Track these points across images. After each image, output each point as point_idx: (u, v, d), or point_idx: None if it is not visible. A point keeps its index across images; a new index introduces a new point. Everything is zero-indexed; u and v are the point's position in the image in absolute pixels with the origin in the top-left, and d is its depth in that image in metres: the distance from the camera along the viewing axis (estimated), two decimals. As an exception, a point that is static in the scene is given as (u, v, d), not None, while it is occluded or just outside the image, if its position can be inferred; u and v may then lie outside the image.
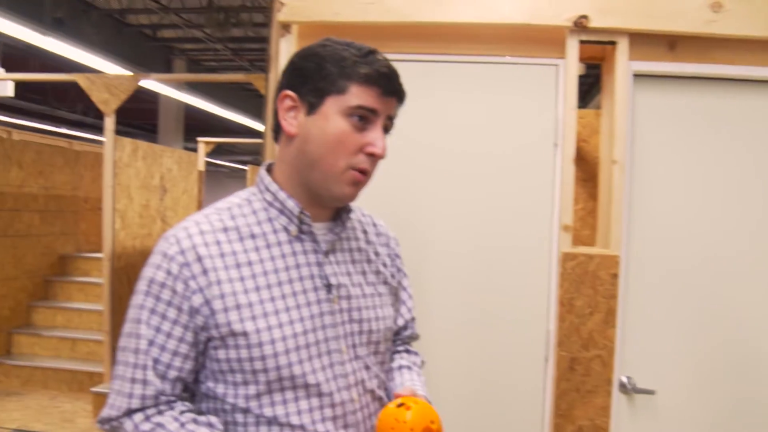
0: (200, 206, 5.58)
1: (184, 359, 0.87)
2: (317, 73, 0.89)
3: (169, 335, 0.86)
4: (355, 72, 0.88)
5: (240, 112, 8.79)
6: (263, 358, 0.86)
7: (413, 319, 1.21)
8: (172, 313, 0.86)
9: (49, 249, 4.88)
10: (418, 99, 1.78)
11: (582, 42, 1.73)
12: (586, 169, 2.05)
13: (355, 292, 0.98)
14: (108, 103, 3.80)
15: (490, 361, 1.81)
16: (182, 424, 0.85)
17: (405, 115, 1.78)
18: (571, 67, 1.72)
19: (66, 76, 3.97)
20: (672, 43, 1.76)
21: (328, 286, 0.94)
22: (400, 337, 1.19)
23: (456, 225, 1.80)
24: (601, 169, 1.87)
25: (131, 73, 4.07)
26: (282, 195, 0.93)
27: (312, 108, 0.90)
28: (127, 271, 4.20)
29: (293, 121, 0.91)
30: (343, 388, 0.92)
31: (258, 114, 9.50)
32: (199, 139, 5.86)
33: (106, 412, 0.87)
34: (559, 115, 1.76)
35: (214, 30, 6.87)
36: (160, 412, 0.86)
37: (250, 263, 0.88)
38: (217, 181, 19.60)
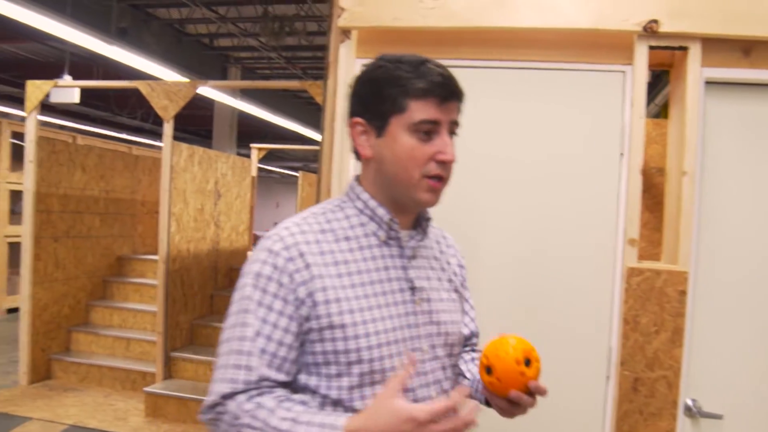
0: (252, 211, 5.66)
1: (288, 349, 0.92)
2: (377, 97, 0.96)
3: (275, 326, 0.91)
4: (410, 89, 0.94)
5: (292, 119, 8.91)
6: (358, 350, 0.91)
7: (477, 329, 1.27)
8: (278, 305, 0.91)
9: (107, 250, 5.04)
10: (479, 106, 1.75)
11: (651, 48, 1.65)
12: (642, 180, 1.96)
13: (435, 296, 1.05)
14: (167, 109, 3.90)
15: (547, 378, 1.73)
16: (279, 401, 0.89)
17: (464, 123, 1.76)
18: (639, 74, 1.65)
19: (128, 83, 4.10)
20: (747, 49, 1.67)
21: (412, 289, 1.01)
22: (469, 343, 1.25)
23: (515, 236, 1.75)
24: (668, 181, 1.78)
25: (189, 80, 4.17)
26: (373, 203, 1.01)
27: (380, 131, 0.97)
28: (181, 274, 4.29)
29: (366, 144, 0.99)
30: (424, 385, 0.98)
31: (309, 121, 9.64)
32: (253, 145, 5.97)
33: (209, 400, 0.91)
34: (625, 123, 1.69)
35: (268, 39, 7.00)
36: (260, 394, 0.90)
37: (345, 262, 0.95)
38: (268, 186, 19.98)
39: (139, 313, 4.75)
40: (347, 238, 0.98)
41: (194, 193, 4.42)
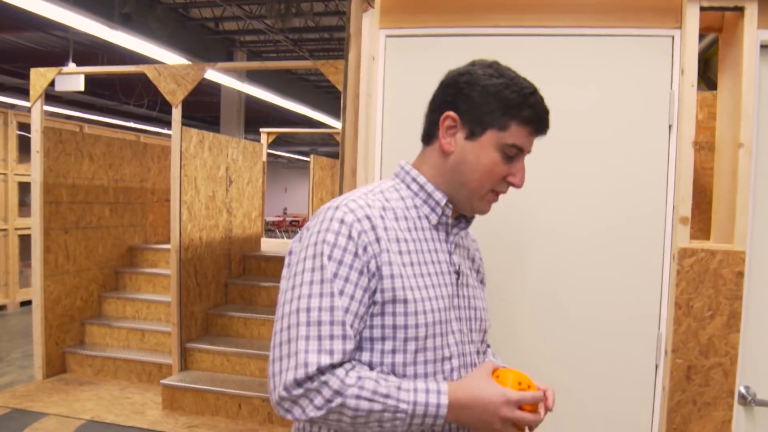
0: (263, 197, 5.56)
1: (360, 322, 0.92)
2: (484, 107, 0.99)
3: (352, 297, 0.90)
4: (518, 114, 0.99)
5: (299, 102, 8.77)
6: (417, 326, 0.93)
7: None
8: (354, 276, 0.91)
9: (118, 240, 4.95)
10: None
11: (703, 9, 1.52)
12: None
13: (472, 282, 1.11)
14: (175, 93, 3.78)
15: (591, 366, 1.63)
16: (377, 377, 0.90)
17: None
18: (690, 38, 1.52)
19: (134, 67, 3.99)
20: (808, 8, 1.53)
21: (457, 273, 1.06)
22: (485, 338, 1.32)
23: (556, 217, 1.63)
24: (719, 154, 1.65)
25: (197, 63, 4.04)
26: (430, 186, 1.04)
27: (472, 135, 1.00)
28: (194, 263, 4.20)
29: (451, 139, 1.02)
30: (463, 366, 1.01)
31: (317, 104, 9.50)
32: (262, 129, 5.85)
33: (296, 374, 0.86)
34: (674, 92, 1.56)
35: (275, 20, 6.85)
36: (354, 368, 0.90)
37: (405, 240, 0.98)
38: (276, 171, 19.90)
39: (153, 304, 4.67)
40: (406, 218, 1.01)
41: (205, 179, 4.32)
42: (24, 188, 6.18)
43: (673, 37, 1.56)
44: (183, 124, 3.94)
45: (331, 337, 0.88)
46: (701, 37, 1.64)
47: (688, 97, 1.52)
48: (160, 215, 5.43)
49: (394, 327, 0.93)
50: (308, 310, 0.89)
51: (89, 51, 7.52)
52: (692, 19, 1.51)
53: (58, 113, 9.21)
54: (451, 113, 1.01)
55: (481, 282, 1.23)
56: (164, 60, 5.70)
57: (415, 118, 1.62)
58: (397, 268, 0.94)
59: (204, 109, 10.39)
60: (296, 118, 10.17)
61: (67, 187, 4.33)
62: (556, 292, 1.63)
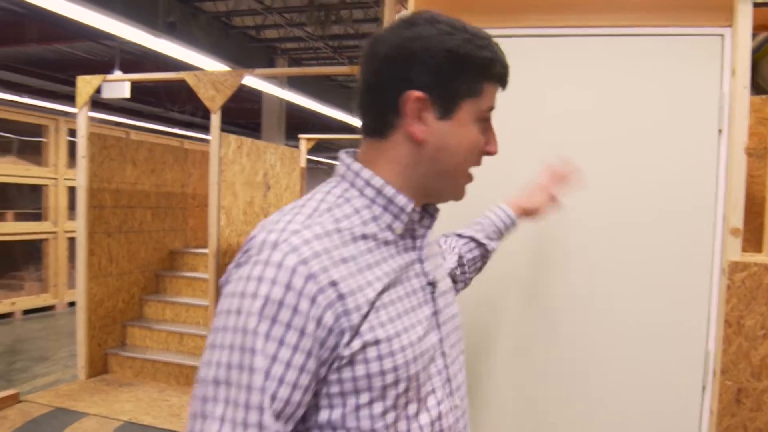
0: (301, 203, 5.58)
1: (303, 392, 0.72)
2: (456, 75, 0.80)
3: (288, 365, 0.70)
4: (491, 72, 0.82)
5: (339, 109, 8.81)
6: (395, 369, 0.76)
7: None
8: (292, 338, 0.70)
9: (159, 244, 5.04)
10: (551, 80, 1.55)
11: (756, 5, 1.42)
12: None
13: (445, 287, 0.95)
14: (214, 99, 3.82)
15: (634, 386, 1.54)
16: None
17: (535, 100, 1.57)
18: (742, 36, 1.42)
19: (175, 74, 4.05)
20: None
21: (432, 285, 0.88)
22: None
23: (596, 226, 1.55)
24: (774, 161, 1.54)
25: (235, 69, 4.08)
26: (389, 190, 0.83)
27: (446, 112, 0.81)
28: (231, 268, 4.24)
29: (421, 125, 0.81)
30: (449, 395, 0.86)
31: (355, 111, 9.53)
32: (301, 135, 5.88)
33: None
34: (725, 95, 1.46)
35: (315, 28, 6.90)
36: None
37: (369, 267, 0.78)
38: (316, 177, 20.05)
39: (192, 308, 4.73)
40: (364, 237, 0.80)
41: (243, 185, 4.35)
42: (73, 193, 6.38)
43: (722, 36, 1.47)
44: (225, 130, 3.99)
45: (245, 425, 0.69)
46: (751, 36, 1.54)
47: (740, 100, 1.42)
48: (201, 220, 5.51)
49: (368, 377, 0.75)
50: (226, 383, 0.70)
51: (137, 60, 7.73)
52: (744, 17, 1.42)
53: (107, 120, 9.51)
54: (416, 93, 0.79)
55: (449, 273, 1.11)
56: (207, 67, 5.80)
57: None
58: (365, 309, 0.75)
59: (245, 115, 10.56)
60: (336, 124, 10.22)
61: (110, 192, 4.44)
62: (597, 307, 1.55)
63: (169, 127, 10.58)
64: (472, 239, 1.28)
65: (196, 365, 4.21)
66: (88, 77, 4.20)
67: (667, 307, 1.51)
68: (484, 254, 1.30)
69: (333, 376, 0.74)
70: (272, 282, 0.70)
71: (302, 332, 0.70)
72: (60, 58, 8.14)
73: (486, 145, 0.86)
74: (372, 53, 0.82)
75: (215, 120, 3.87)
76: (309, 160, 8.28)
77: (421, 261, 0.88)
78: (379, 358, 0.75)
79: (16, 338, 5.44)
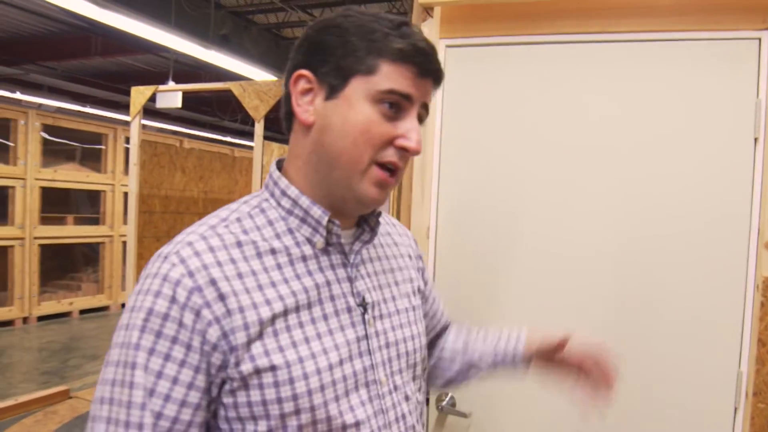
0: (344, 212, 5.63)
1: (194, 411, 0.68)
2: (340, 49, 0.74)
3: (175, 381, 0.67)
4: (387, 47, 0.73)
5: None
6: (295, 397, 0.70)
7: (449, 321, 1.16)
8: (178, 353, 0.67)
9: (206, 249, 5.18)
10: (581, 86, 1.52)
11: (796, 6, 1.34)
12: None
13: (389, 309, 0.86)
14: (258, 109, 3.91)
15: (661, 407, 1.47)
16: None
17: (563, 108, 1.53)
18: (779, 40, 1.35)
19: (222, 84, 4.17)
20: None
21: (363, 306, 0.80)
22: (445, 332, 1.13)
23: (625, 239, 1.49)
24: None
25: (279, 79, 4.17)
26: (305, 201, 0.78)
27: (333, 91, 0.75)
28: (272, 274, 4.31)
29: (309, 107, 0.77)
30: (384, 426, 0.78)
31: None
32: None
33: None
34: (761, 102, 1.39)
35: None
36: None
37: (273, 284, 0.73)
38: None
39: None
40: (273, 251, 0.74)
41: (285, 193, 4.43)
42: (128, 198, 6.66)
43: (760, 40, 1.40)
44: (273, 139, 4.08)
45: None
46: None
47: (777, 107, 1.35)
48: (246, 226, 5.64)
49: (264, 403, 0.70)
50: (110, 401, 0.67)
51: (191, 71, 8.01)
52: (782, 19, 1.35)
53: (164, 129, 9.88)
54: (304, 71, 0.76)
55: (420, 289, 0.97)
56: (257, 78, 5.95)
57: (473, 129, 1.56)
58: (257, 329, 0.70)
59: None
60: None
61: (160, 198, 4.60)
62: (625, 323, 1.49)
63: (221, 135, 10.90)
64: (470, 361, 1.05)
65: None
66: (141, 88, 4.38)
67: (697, 324, 1.44)
68: (468, 374, 1.07)
69: (228, 399, 0.70)
70: (156, 294, 0.68)
71: (188, 347, 0.67)
72: (121, 70, 8.52)
73: (399, 138, 0.76)
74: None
75: (259, 129, 3.96)
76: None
77: (350, 279, 0.81)
78: (276, 384, 0.70)
79: (72, 337, 5.69)
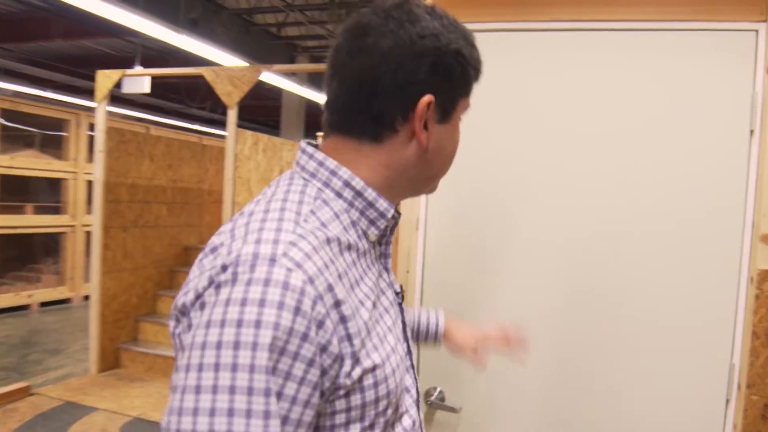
0: (317, 202, 5.54)
1: (306, 429, 0.62)
2: (460, 78, 0.75)
3: (294, 401, 0.59)
4: (479, 72, 0.78)
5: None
6: (388, 394, 0.69)
7: None
8: (298, 370, 0.59)
9: (174, 240, 5.05)
10: (574, 75, 1.49)
11: (795, -2, 1.34)
12: None
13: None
14: (231, 95, 3.80)
15: (654, 399, 1.46)
16: None
17: (557, 97, 1.50)
18: (777, 31, 1.34)
19: (193, 69, 4.04)
20: None
21: (398, 294, 0.84)
22: None
23: (619, 231, 1.47)
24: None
25: (253, 65, 4.06)
26: (371, 193, 0.74)
27: (446, 116, 0.76)
28: (244, 265, 4.21)
29: (424, 130, 0.74)
30: (414, 405, 0.80)
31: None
32: (318, 133, 5.84)
33: None
34: (757, 94, 1.38)
35: (335, 26, 6.87)
36: None
37: (358, 282, 0.69)
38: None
39: (205, 304, 4.72)
40: (349, 247, 0.70)
41: (259, 182, 4.33)
42: (92, 187, 6.44)
43: (757, 32, 1.39)
44: (244, 127, 3.97)
45: None
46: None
47: (774, 99, 1.34)
48: (216, 216, 5.51)
49: (364, 405, 0.66)
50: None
51: (158, 56, 7.78)
52: (781, 11, 1.33)
53: (129, 115, 9.60)
54: (429, 97, 0.72)
55: None
56: (227, 64, 5.80)
57: (469, 120, 1.51)
58: (363, 332, 0.66)
59: (265, 113, 10.59)
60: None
61: (127, 187, 4.44)
62: (619, 315, 1.47)
63: (189, 123, 10.66)
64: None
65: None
66: (107, 71, 4.21)
67: (691, 316, 1.43)
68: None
69: (327, 408, 0.64)
70: (279, 306, 0.58)
71: (310, 362, 0.60)
72: (83, 54, 8.24)
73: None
74: (364, 45, 0.71)
75: (232, 116, 3.85)
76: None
77: (387, 270, 0.81)
78: (375, 384, 0.67)
79: (31, 330, 5.48)
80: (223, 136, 10.08)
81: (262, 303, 0.58)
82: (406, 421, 0.76)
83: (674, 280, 1.44)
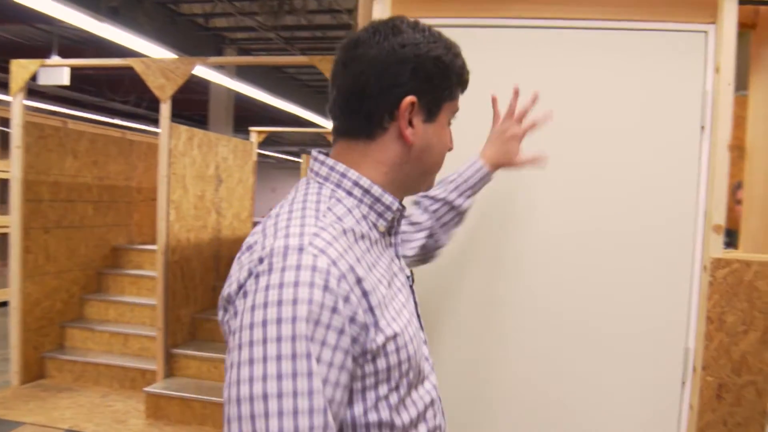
0: (254, 198, 5.42)
1: (344, 391, 0.73)
2: (442, 82, 0.88)
3: (330, 365, 0.70)
4: (463, 79, 0.92)
5: (289, 101, 8.62)
6: (409, 359, 0.81)
7: None
8: (332, 339, 0.71)
9: (102, 241, 4.78)
10: (531, 73, 1.51)
11: (742, 2, 1.42)
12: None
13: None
14: (164, 88, 3.63)
15: (610, 383, 1.52)
16: None
17: (507, 93, 1.52)
18: (727, 33, 1.42)
19: (121, 61, 3.83)
20: None
21: (411, 278, 0.97)
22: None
23: (576, 222, 1.52)
24: (751, 159, 1.56)
25: (187, 57, 3.89)
26: (377, 190, 0.87)
27: (430, 115, 0.89)
28: (181, 265, 4.05)
29: (410, 128, 0.87)
30: (433, 372, 0.93)
31: (307, 104, 9.36)
32: (252, 128, 5.69)
33: None
34: (707, 92, 1.46)
35: (267, 18, 6.71)
36: None
37: (373, 265, 0.82)
38: (265, 171, 19.70)
39: (137, 307, 4.51)
40: (363, 236, 0.83)
41: (194, 178, 4.16)
42: (4, 185, 5.98)
43: (706, 33, 1.46)
44: (171, 121, 3.80)
45: (319, 428, 0.67)
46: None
47: (724, 97, 1.42)
48: (146, 215, 5.26)
49: (389, 369, 0.78)
50: (280, 395, 0.67)
51: (75, 46, 7.33)
52: (730, 13, 1.41)
53: (42, 109, 8.98)
54: (411, 97, 0.84)
55: None
56: (152, 55, 5.53)
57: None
58: (383, 303, 0.78)
59: (192, 107, 10.21)
60: (285, 117, 10.02)
61: (48, 185, 4.16)
62: (577, 303, 1.52)
63: (109, 117, 10.11)
64: (445, 202, 1.28)
65: (142, 367, 4.00)
66: (24, 61, 3.92)
67: (647, 303, 1.50)
68: (459, 215, 1.31)
69: (358, 372, 0.75)
70: (311, 285, 0.70)
71: (341, 331, 0.71)
72: (-11, 42, 7.62)
73: (449, 143, 0.95)
74: (354, 56, 0.85)
75: (165, 110, 3.69)
76: (258, 154, 8.06)
77: (398, 256, 0.94)
78: (397, 350, 0.78)
79: (-60, 341, 5.04)
80: (148, 131, 9.65)
81: (296, 284, 0.69)
82: (428, 384, 0.88)
83: (631, 269, 1.50)
